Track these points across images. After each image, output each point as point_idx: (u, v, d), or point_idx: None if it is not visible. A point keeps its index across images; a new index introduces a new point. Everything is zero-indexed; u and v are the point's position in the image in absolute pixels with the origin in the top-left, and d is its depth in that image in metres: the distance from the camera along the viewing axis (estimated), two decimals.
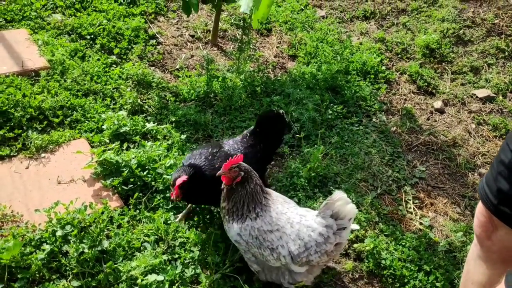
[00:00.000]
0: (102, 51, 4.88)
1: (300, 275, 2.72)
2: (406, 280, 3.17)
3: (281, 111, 3.27)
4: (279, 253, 2.61)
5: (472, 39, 5.96)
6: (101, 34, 5.01)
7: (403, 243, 3.42)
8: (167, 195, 3.39)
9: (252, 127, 3.31)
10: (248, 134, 3.26)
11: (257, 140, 3.24)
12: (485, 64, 5.65)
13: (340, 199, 2.59)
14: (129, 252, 3.02)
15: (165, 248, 3.07)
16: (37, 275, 2.80)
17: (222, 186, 2.77)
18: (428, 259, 3.31)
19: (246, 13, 4.21)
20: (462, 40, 5.96)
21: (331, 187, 3.79)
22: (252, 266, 2.82)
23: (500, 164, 2.04)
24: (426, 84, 5.34)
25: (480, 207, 2.22)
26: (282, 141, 3.40)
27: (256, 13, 4.04)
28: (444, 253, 3.47)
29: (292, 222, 2.66)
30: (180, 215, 3.31)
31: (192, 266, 2.95)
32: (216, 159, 3.03)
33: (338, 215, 2.61)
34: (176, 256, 3.03)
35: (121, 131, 3.87)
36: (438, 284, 3.15)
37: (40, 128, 3.85)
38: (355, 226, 2.99)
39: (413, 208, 3.85)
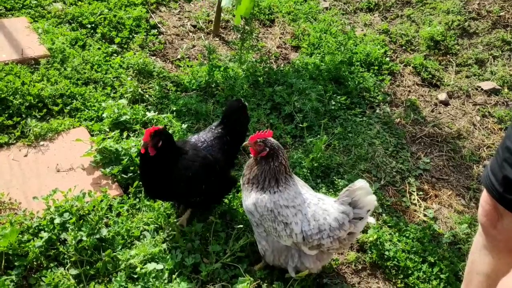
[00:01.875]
0: (103, 40, 4.82)
1: (309, 259, 2.68)
2: (410, 272, 3.12)
3: (245, 102, 3.20)
4: (292, 229, 2.57)
5: (477, 31, 5.88)
6: (102, 23, 4.95)
7: (406, 235, 3.36)
8: None
9: (217, 122, 3.24)
10: (214, 126, 3.20)
11: (224, 131, 3.16)
12: (491, 57, 5.57)
13: (361, 188, 2.55)
14: (128, 241, 2.98)
15: (165, 237, 3.02)
16: (34, 263, 2.76)
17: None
18: (432, 251, 3.25)
19: (228, 7, 4.05)
20: (467, 32, 5.89)
21: (333, 178, 3.73)
22: (261, 242, 2.76)
23: (505, 151, 1.98)
24: (431, 76, 5.28)
25: (484, 196, 2.16)
26: (245, 137, 3.20)
27: (239, 7, 3.92)
28: (448, 245, 3.42)
29: (309, 203, 2.63)
30: (181, 218, 3.18)
31: (192, 255, 2.89)
32: (183, 145, 2.99)
33: (356, 204, 2.57)
34: (176, 245, 2.97)
35: (121, 119, 3.81)
36: (442, 276, 3.10)
37: (39, 116, 3.80)
38: (371, 220, 2.93)
39: (417, 200, 3.79)
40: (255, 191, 2.67)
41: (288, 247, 2.68)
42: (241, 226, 3.03)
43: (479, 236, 2.30)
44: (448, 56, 5.61)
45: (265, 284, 2.85)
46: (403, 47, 5.70)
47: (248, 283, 2.79)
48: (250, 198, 2.68)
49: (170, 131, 3.81)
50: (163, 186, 2.88)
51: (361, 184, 2.54)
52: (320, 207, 2.61)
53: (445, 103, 4.98)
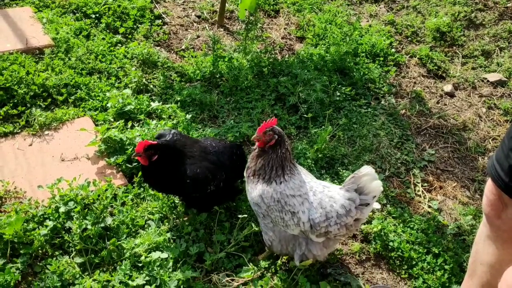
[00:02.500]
0: (107, 30, 4.81)
1: (316, 247, 2.68)
2: (414, 262, 3.12)
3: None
4: (300, 218, 2.57)
5: (484, 22, 5.83)
6: (106, 13, 4.94)
7: (411, 226, 3.36)
8: None
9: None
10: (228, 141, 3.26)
11: (234, 143, 3.23)
12: (497, 48, 5.52)
13: (367, 175, 2.54)
14: (133, 230, 2.99)
15: (170, 226, 3.03)
16: (39, 251, 2.78)
17: (255, 147, 2.74)
18: (437, 242, 3.25)
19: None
20: (474, 23, 5.83)
21: (338, 169, 3.72)
22: (267, 233, 2.76)
23: (511, 140, 1.96)
24: (436, 67, 5.24)
25: (489, 185, 2.14)
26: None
27: (243, 1, 3.90)
28: (453, 236, 3.41)
29: (315, 191, 2.63)
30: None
31: (197, 244, 2.90)
32: (190, 145, 3.00)
33: (362, 190, 2.57)
34: (181, 234, 2.98)
35: (126, 109, 3.81)
36: (446, 267, 3.09)
37: (43, 106, 3.81)
38: (377, 205, 2.94)
39: (422, 191, 3.78)
40: (261, 183, 2.66)
41: (295, 236, 2.68)
42: (245, 216, 3.02)
43: (483, 226, 2.29)
44: (454, 47, 5.56)
45: (268, 274, 2.86)
46: (409, 38, 5.65)
47: (252, 272, 2.80)
48: (256, 190, 2.67)
49: (174, 121, 3.81)
50: (163, 185, 2.90)
51: (367, 170, 2.54)
52: (326, 194, 2.61)
53: (451, 95, 4.94)
